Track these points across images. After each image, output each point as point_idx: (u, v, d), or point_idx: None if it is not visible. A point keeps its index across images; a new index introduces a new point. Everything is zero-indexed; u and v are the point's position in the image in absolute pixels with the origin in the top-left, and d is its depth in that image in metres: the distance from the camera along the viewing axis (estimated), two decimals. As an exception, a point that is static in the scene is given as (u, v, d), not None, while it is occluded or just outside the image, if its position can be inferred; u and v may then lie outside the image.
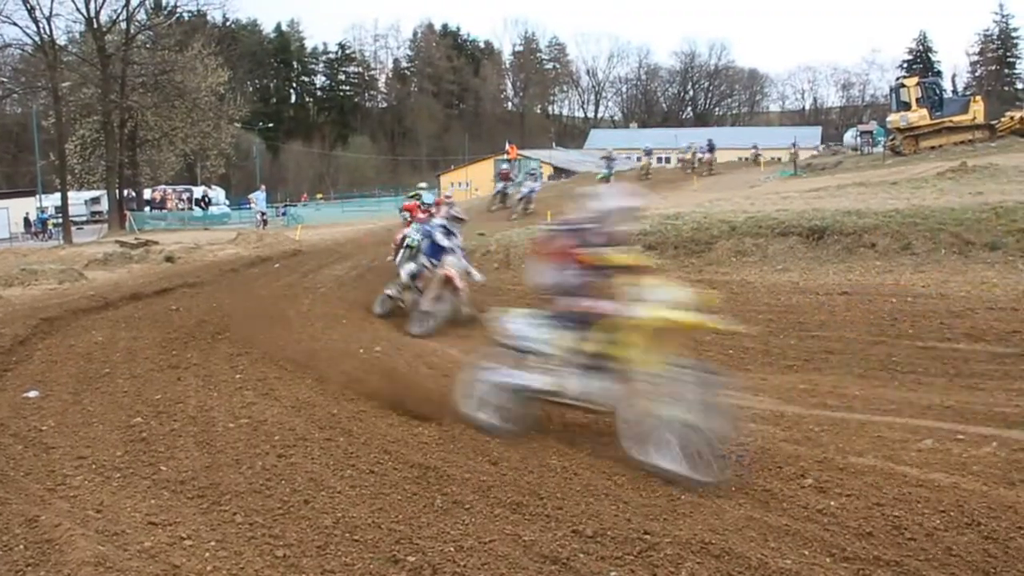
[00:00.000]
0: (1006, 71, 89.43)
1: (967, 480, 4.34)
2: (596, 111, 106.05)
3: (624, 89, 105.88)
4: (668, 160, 61.62)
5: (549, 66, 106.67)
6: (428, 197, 16.52)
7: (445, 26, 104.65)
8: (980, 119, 31.44)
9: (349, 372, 7.20)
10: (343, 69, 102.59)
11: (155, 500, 4.52)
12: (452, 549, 3.81)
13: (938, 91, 32.54)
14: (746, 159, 48.92)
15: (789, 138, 47.27)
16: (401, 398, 6.27)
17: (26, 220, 46.05)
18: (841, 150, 43.73)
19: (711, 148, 39.17)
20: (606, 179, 29.80)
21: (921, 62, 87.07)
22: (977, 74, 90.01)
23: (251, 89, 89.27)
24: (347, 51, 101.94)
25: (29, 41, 36.57)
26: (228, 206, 52.16)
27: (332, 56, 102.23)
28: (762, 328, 8.80)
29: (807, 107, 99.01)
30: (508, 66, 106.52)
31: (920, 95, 31.20)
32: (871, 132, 38.75)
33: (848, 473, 4.50)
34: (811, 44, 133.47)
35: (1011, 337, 7.78)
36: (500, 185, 28.15)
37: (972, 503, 4.00)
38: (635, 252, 5.29)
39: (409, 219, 14.40)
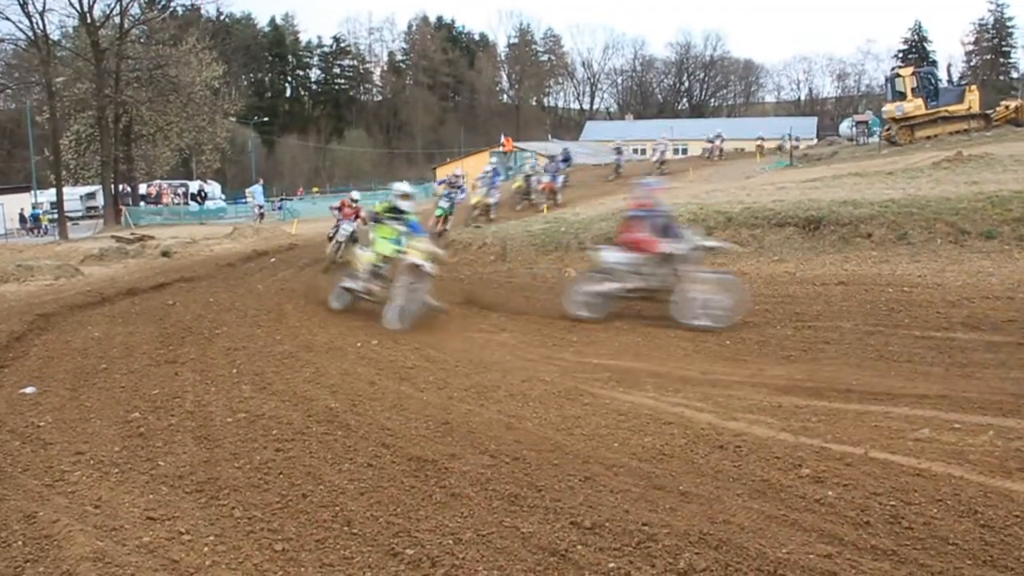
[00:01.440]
0: (1001, 60, 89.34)
1: (964, 469, 4.35)
2: (592, 103, 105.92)
3: (619, 81, 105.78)
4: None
5: (544, 58, 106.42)
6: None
7: (440, 19, 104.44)
8: (975, 109, 31.37)
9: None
10: (338, 63, 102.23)
11: (153, 495, 4.52)
12: (450, 542, 3.82)
13: (933, 81, 32.41)
14: (743, 150, 48.90)
15: (784, 128, 47.23)
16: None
17: (21, 216, 45.95)
18: (837, 140, 43.65)
19: (556, 172, 25.43)
20: (444, 218, 18.12)
21: (916, 52, 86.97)
22: (972, 64, 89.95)
23: (246, 83, 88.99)
24: (342, 44, 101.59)
25: (22, 36, 36.37)
26: (224, 201, 52.13)
27: (327, 50, 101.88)
28: (759, 319, 8.83)
29: (803, 97, 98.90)
30: (503, 58, 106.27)
31: (915, 85, 31.11)
32: (867, 122, 38.52)
33: (845, 463, 4.51)
34: (806, 35, 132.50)
35: (1007, 326, 7.80)
36: (346, 227, 15.60)
37: (969, 492, 4.01)
38: None
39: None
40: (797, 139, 40.52)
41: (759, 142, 44.58)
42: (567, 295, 9.84)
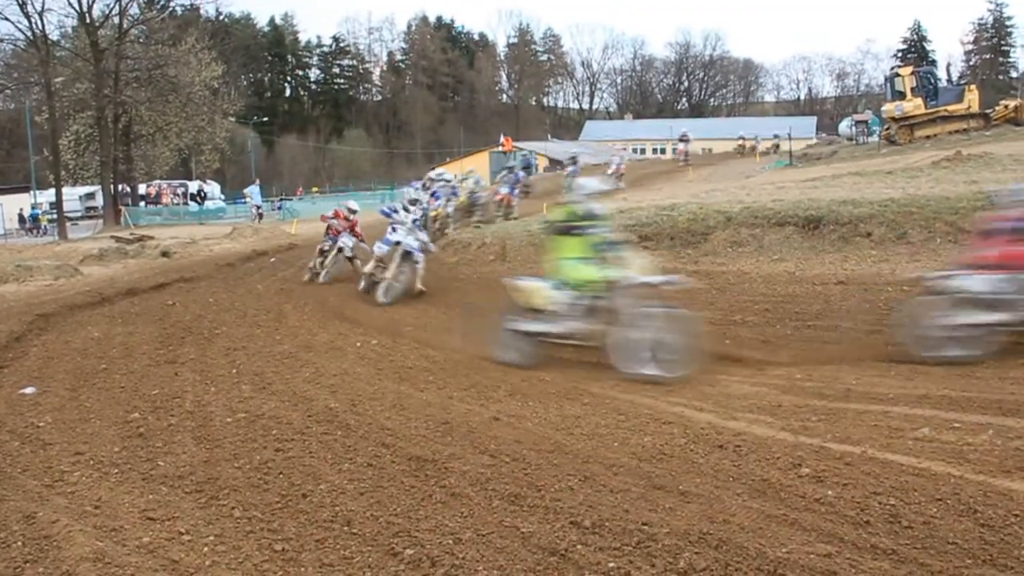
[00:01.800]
0: (1000, 60, 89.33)
1: (963, 468, 4.35)
2: (591, 103, 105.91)
3: (619, 80, 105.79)
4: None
5: (544, 58, 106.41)
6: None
7: (439, 18, 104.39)
8: (975, 108, 31.41)
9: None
10: (337, 62, 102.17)
11: (153, 495, 4.52)
12: (450, 541, 3.82)
13: (933, 80, 32.44)
14: (734, 150, 48.96)
15: (784, 128, 47.26)
16: None
17: (20, 216, 45.94)
18: (836, 140, 43.72)
19: (515, 184, 22.85)
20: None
21: (916, 51, 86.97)
22: (971, 63, 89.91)
23: (245, 83, 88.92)
24: (341, 44, 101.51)
25: (21, 36, 36.37)
26: (223, 201, 52.12)
27: (326, 49, 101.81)
28: (759, 318, 8.83)
29: (802, 97, 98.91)
30: (503, 58, 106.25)
31: (915, 84, 31.15)
32: (866, 122, 38.56)
33: (845, 462, 4.50)
34: (806, 34, 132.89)
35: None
36: (346, 241, 13.64)
37: (968, 491, 4.01)
38: None
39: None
40: (777, 137, 40.29)
41: (740, 141, 44.69)
42: (915, 329, 7.32)
